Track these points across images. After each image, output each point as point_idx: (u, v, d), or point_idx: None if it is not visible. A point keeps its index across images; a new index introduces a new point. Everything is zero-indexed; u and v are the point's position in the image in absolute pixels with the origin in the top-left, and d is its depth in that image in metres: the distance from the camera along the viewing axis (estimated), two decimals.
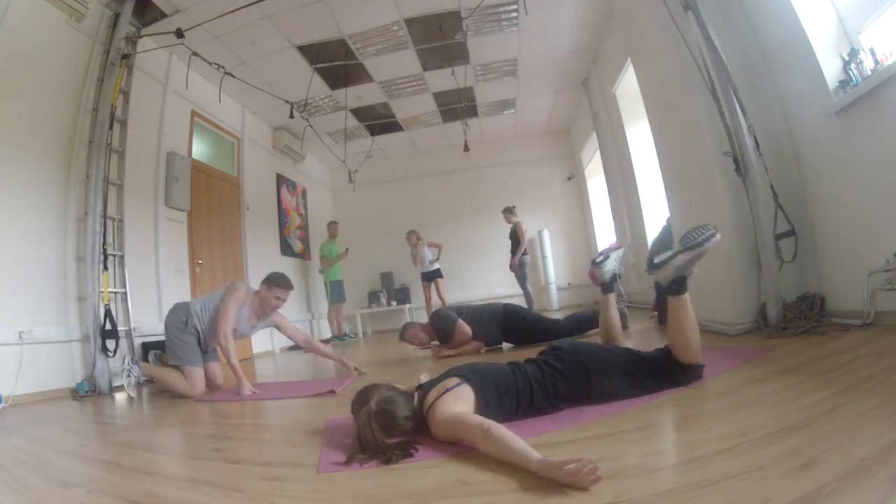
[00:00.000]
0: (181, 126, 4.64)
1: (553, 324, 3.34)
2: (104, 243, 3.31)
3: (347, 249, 6.43)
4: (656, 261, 1.67)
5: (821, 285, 2.45)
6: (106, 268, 3.30)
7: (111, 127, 3.51)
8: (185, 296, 4.38)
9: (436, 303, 6.20)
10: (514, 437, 1.01)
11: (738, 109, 2.43)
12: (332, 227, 6.62)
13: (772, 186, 2.40)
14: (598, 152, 6.23)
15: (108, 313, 3.17)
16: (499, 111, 7.14)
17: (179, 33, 3.49)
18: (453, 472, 1.00)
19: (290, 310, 6.31)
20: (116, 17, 3.67)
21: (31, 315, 2.93)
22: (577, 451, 1.03)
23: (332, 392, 2.20)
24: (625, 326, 2.88)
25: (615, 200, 5.96)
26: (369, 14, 4.42)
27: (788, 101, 2.52)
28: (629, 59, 4.16)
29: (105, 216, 3.39)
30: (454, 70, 5.22)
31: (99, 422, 2.21)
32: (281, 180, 6.67)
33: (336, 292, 6.41)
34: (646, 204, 5.05)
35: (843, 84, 2.15)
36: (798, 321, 2.26)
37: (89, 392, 2.97)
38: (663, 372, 1.47)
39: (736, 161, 2.43)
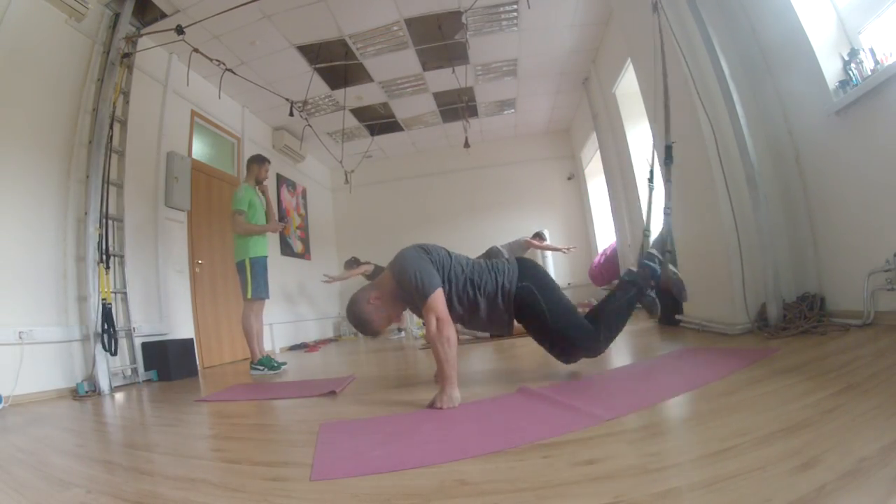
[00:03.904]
0: (181, 126, 4.64)
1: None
2: (104, 243, 3.31)
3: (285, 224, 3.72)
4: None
5: (821, 285, 2.45)
6: (108, 268, 3.30)
7: (111, 127, 3.52)
8: (185, 296, 4.39)
9: None
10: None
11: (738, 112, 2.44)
12: (261, 166, 3.75)
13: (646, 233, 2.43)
14: (598, 152, 6.23)
15: (107, 313, 3.17)
16: (499, 111, 7.13)
17: (180, 29, 3.49)
18: (453, 472, 1.00)
19: (281, 312, 6.33)
20: (116, 17, 3.67)
21: (31, 315, 2.93)
22: (576, 451, 1.04)
23: (333, 392, 2.20)
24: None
25: (615, 200, 5.95)
26: (369, 14, 4.42)
27: (788, 101, 2.52)
28: (629, 59, 4.16)
29: (105, 216, 3.39)
30: (454, 70, 5.22)
31: (99, 422, 2.21)
32: (281, 180, 6.67)
33: (262, 279, 3.54)
34: (646, 204, 5.04)
35: (843, 84, 2.15)
36: (798, 321, 2.26)
37: (89, 392, 2.97)
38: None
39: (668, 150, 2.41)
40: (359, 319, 1.85)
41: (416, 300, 1.75)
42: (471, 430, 1.35)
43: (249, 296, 3.48)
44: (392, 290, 1.84)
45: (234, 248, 3.59)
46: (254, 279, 3.47)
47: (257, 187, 3.72)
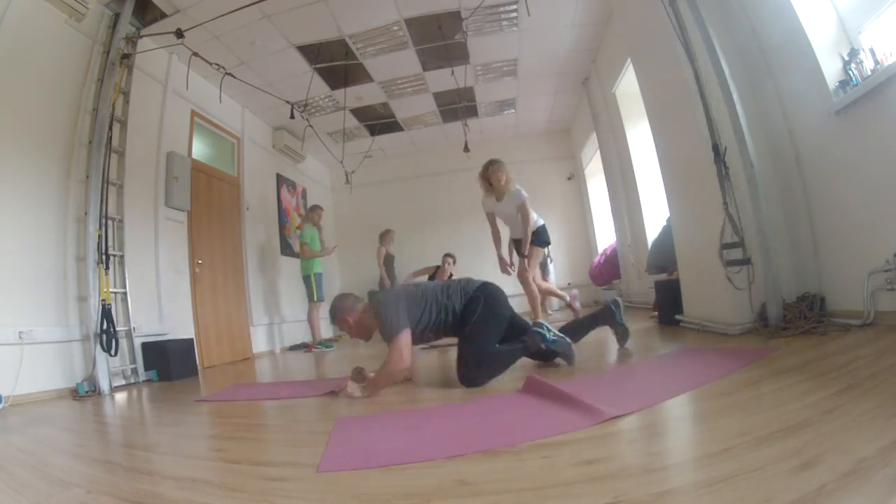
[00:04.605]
0: (181, 126, 4.63)
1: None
2: (104, 244, 3.31)
3: (335, 247, 6.21)
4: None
5: (821, 285, 2.45)
6: (107, 268, 3.29)
7: (111, 127, 3.51)
8: (185, 296, 4.39)
9: None
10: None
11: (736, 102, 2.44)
12: (316, 211, 5.83)
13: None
14: (598, 152, 6.23)
15: (107, 313, 3.17)
16: (499, 111, 7.13)
17: (179, 33, 3.49)
18: (453, 472, 1.00)
19: (282, 311, 6.32)
20: (116, 17, 3.66)
21: (31, 315, 2.92)
22: (576, 451, 1.04)
23: (333, 392, 2.19)
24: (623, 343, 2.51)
25: (615, 200, 5.96)
26: (369, 14, 4.41)
27: (788, 101, 2.52)
28: (629, 59, 4.17)
29: (105, 216, 3.39)
30: (454, 70, 5.22)
31: (99, 422, 2.21)
32: (281, 180, 6.67)
33: (322, 288, 5.65)
34: (646, 204, 5.05)
35: (843, 84, 2.15)
36: (798, 321, 2.26)
37: (89, 392, 2.97)
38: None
39: (716, 149, 2.45)
40: (335, 310, 2.32)
41: (384, 335, 2.11)
42: (474, 429, 1.36)
43: (315, 298, 5.46)
44: (369, 316, 2.24)
45: (301, 266, 5.61)
46: (318, 287, 5.48)
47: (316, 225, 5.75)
